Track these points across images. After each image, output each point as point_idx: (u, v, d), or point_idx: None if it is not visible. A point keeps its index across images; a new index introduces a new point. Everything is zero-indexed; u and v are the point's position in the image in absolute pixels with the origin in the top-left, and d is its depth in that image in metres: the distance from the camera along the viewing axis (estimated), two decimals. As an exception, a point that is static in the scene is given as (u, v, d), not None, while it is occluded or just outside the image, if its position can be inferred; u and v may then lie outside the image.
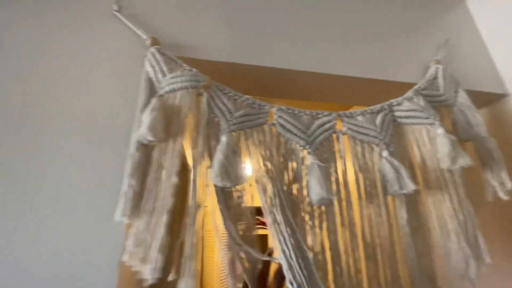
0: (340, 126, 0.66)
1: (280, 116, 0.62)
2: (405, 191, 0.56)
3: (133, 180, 0.48)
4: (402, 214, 0.59)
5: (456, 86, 0.76)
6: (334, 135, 0.64)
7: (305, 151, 0.59)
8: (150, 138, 0.49)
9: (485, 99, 0.84)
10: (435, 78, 0.75)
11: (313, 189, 0.52)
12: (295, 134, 0.59)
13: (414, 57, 0.82)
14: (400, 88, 0.75)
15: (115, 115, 0.56)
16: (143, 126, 0.49)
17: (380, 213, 0.58)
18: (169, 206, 0.47)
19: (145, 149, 0.51)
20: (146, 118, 0.50)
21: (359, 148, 0.63)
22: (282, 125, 0.61)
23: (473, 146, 0.70)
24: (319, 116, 0.64)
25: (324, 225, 0.55)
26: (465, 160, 0.58)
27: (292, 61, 0.70)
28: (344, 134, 0.64)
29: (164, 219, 0.46)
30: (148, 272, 0.42)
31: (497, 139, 0.83)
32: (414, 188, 0.55)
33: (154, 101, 0.52)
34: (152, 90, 0.55)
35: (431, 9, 0.92)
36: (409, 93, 0.71)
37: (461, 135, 0.70)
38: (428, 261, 0.58)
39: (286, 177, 0.58)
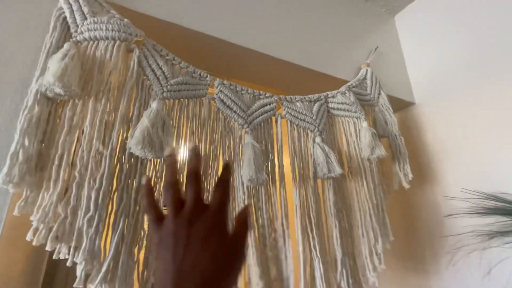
0: (279, 109, 0.67)
1: (221, 91, 0.59)
2: (333, 175, 0.60)
3: (28, 139, 0.38)
4: (330, 196, 0.63)
5: (380, 89, 0.86)
6: (273, 118, 0.64)
7: (243, 130, 0.58)
8: (58, 90, 0.39)
9: (397, 104, 0.98)
10: (364, 78, 0.84)
11: (245, 168, 0.51)
12: (235, 112, 0.57)
13: (348, 57, 0.89)
14: (332, 82, 0.81)
15: (7, 57, 0.43)
16: (48, 74, 0.39)
17: (311, 195, 0.61)
18: (99, 181, 0.40)
19: (49, 103, 0.41)
20: (54, 65, 0.40)
21: (295, 133, 0.65)
22: (222, 101, 0.58)
23: (387, 142, 0.81)
24: (261, 96, 0.63)
25: (258, 204, 0.55)
26: (381, 151, 0.66)
27: (236, 34, 0.66)
28: (283, 117, 0.65)
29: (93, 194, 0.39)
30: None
31: (408, 140, 0.99)
32: (341, 172, 0.60)
33: (66, 46, 0.42)
34: (65, 33, 0.45)
35: (367, 19, 1.02)
36: (343, 88, 0.77)
37: (379, 131, 0.80)
38: (350, 240, 0.63)
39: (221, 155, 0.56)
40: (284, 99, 0.67)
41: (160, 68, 0.51)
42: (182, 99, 0.54)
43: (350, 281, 0.58)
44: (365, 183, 0.67)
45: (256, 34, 0.70)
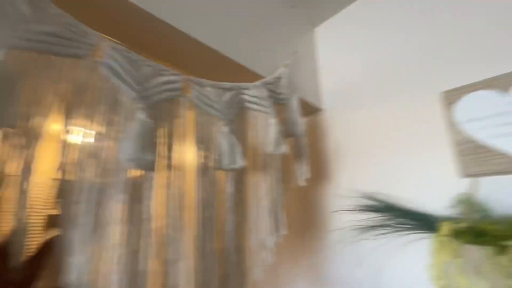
0: (187, 91, 0.60)
1: (112, 56, 0.48)
2: (235, 166, 0.57)
3: None
4: (229, 188, 0.60)
5: (293, 91, 0.90)
6: (178, 99, 0.57)
7: (136, 105, 0.49)
8: None
9: (307, 108, 1.06)
10: (280, 78, 0.86)
11: (126, 145, 0.43)
12: (126, 82, 0.47)
13: (268, 56, 0.90)
14: (250, 77, 0.80)
15: None
16: None
17: (210, 185, 0.57)
18: None
19: None
20: None
21: (202, 119, 0.60)
22: (112, 67, 0.47)
23: (292, 141, 0.85)
24: (165, 72, 0.55)
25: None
26: (284, 148, 0.68)
27: (154, 4, 0.57)
28: (190, 100, 0.59)
29: None
30: None
31: (311, 142, 1.06)
32: (243, 165, 0.58)
33: None
34: None
35: (292, 25, 1.06)
36: (258, 83, 0.76)
37: (287, 130, 0.83)
38: (241, 234, 0.62)
39: (104, 130, 0.46)
40: (194, 81, 0.60)
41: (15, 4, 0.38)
42: (49, 55, 0.41)
43: (237, 273, 0.57)
44: (265, 178, 0.67)
45: (179, 11, 0.61)
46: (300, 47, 1.06)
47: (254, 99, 0.72)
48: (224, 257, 0.58)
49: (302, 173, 0.81)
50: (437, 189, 0.70)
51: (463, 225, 0.52)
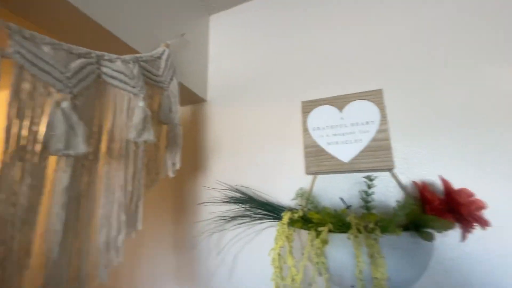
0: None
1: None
2: (71, 152, 0.47)
3: None
4: (64, 179, 0.49)
5: (173, 75, 0.83)
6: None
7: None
8: None
9: (191, 97, 1.02)
10: (159, 57, 0.78)
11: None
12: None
13: (151, 33, 0.80)
14: (120, 48, 0.68)
15: None
16: None
17: (31, 174, 0.44)
18: None
19: None
20: None
21: (28, 86, 0.45)
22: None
23: (166, 129, 0.79)
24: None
25: None
26: (149, 135, 0.62)
27: None
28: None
29: None
30: None
31: (189, 133, 1.03)
32: (84, 151, 0.48)
33: None
34: None
35: (185, 7, 0.98)
36: (127, 57, 0.65)
37: (161, 117, 0.77)
38: (77, 234, 0.52)
39: None
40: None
41: None
42: None
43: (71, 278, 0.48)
44: (123, 168, 0.59)
45: None
46: (191, 33, 1.00)
47: (119, 75, 0.62)
48: (48, 258, 0.47)
49: (172, 163, 0.77)
50: (289, 183, 0.82)
51: (297, 214, 0.63)
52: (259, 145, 0.90)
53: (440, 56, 0.75)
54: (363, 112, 0.76)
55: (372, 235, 0.51)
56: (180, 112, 1.06)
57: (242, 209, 0.81)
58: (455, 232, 0.59)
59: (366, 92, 0.77)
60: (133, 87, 0.64)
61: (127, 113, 0.62)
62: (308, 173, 0.78)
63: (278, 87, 0.93)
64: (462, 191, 0.57)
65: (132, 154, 0.62)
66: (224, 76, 1.05)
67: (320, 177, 0.78)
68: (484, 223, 0.53)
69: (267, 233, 0.80)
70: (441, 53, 0.75)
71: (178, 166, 0.77)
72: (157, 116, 0.76)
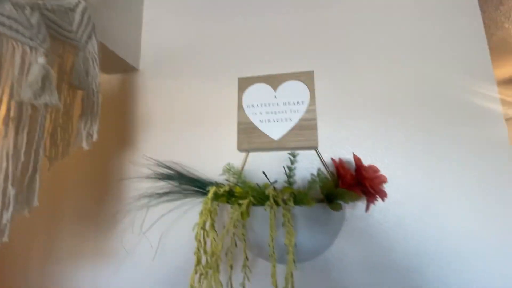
0: None
1: None
2: None
3: None
4: None
5: (92, 34, 0.73)
6: None
7: None
8: None
9: (120, 65, 0.91)
10: (71, 10, 0.66)
11: None
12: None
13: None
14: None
15: None
16: None
17: None
18: None
19: None
20: None
21: None
22: None
23: (82, 95, 0.70)
24: None
25: None
26: (51, 98, 0.53)
27: None
28: None
29: None
30: None
31: (116, 104, 0.93)
32: None
33: None
34: None
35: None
36: (22, 1, 0.54)
37: (74, 80, 0.67)
38: None
39: None
40: None
41: None
42: None
43: None
44: (13, 135, 0.50)
45: None
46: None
47: (9, 22, 0.50)
48: None
49: (88, 134, 0.68)
50: (221, 160, 0.80)
51: (223, 189, 0.62)
52: (192, 120, 0.86)
53: (366, 45, 0.80)
54: (295, 92, 0.78)
55: (287, 206, 0.53)
56: (106, 80, 0.96)
57: (171, 186, 0.78)
58: (363, 205, 0.66)
59: (299, 72, 0.79)
60: (30, 38, 0.53)
61: (20, 69, 0.52)
62: (240, 149, 0.78)
63: (216, 61, 0.89)
64: (369, 167, 0.63)
65: (27, 119, 0.52)
66: (159, 45, 0.96)
67: (252, 155, 0.79)
68: (383, 195, 0.60)
69: (197, 211, 0.79)
70: (367, 42, 0.80)
71: (95, 137, 0.69)
72: (69, 78, 0.66)
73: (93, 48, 0.72)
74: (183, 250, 0.78)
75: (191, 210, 0.79)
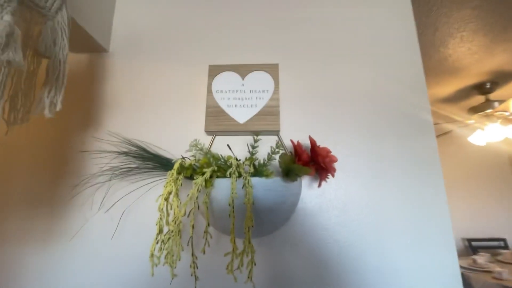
0: None
1: None
2: None
3: None
4: None
5: (63, 6, 0.72)
6: None
7: None
8: None
9: (89, 44, 0.91)
10: (43, -22, 0.66)
11: None
12: None
13: None
14: None
15: None
16: None
17: None
18: None
19: None
20: None
21: None
22: None
23: (47, 64, 0.69)
24: None
25: None
26: (15, 56, 0.52)
27: None
28: None
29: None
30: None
31: (84, 82, 0.92)
32: None
33: None
34: None
35: None
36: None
37: (40, 47, 0.66)
38: None
39: None
40: None
41: None
42: None
43: None
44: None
45: None
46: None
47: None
48: None
49: (51, 103, 0.67)
50: (189, 141, 0.83)
51: (187, 162, 0.65)
52: (161, 102, 0.88)
53: (324, 44, 0.91)
54: (261, 82, 0.84)
55: (248, 173, 0.58)
56: (76, 60, 0.94)
57: (135, 162, 0.78)
58: (317, 185, 0.74)
59: (266, 64, 0.86)
60: (-4, -4, 0.53)
61: (-16, 24, 0.51)
62: (207, 131, 0.82)
63: (188, 47, 0.93)
64: (323, 148, 0.72)
65: (-13, 75, 0.51)
66: (131, 27, 0.98)
67: (218, 138, 0.83)
68: (333, 170, 0.69)
69: (161, 188, 0.80)
70: (325, 40, 0.91)
71: (58, 107, 0.68)
72: (35, 45, 0.65)
73: (63, 19, 0.72)
74: (144, 229, 0.78)
75: (155, 188, 0.80)
